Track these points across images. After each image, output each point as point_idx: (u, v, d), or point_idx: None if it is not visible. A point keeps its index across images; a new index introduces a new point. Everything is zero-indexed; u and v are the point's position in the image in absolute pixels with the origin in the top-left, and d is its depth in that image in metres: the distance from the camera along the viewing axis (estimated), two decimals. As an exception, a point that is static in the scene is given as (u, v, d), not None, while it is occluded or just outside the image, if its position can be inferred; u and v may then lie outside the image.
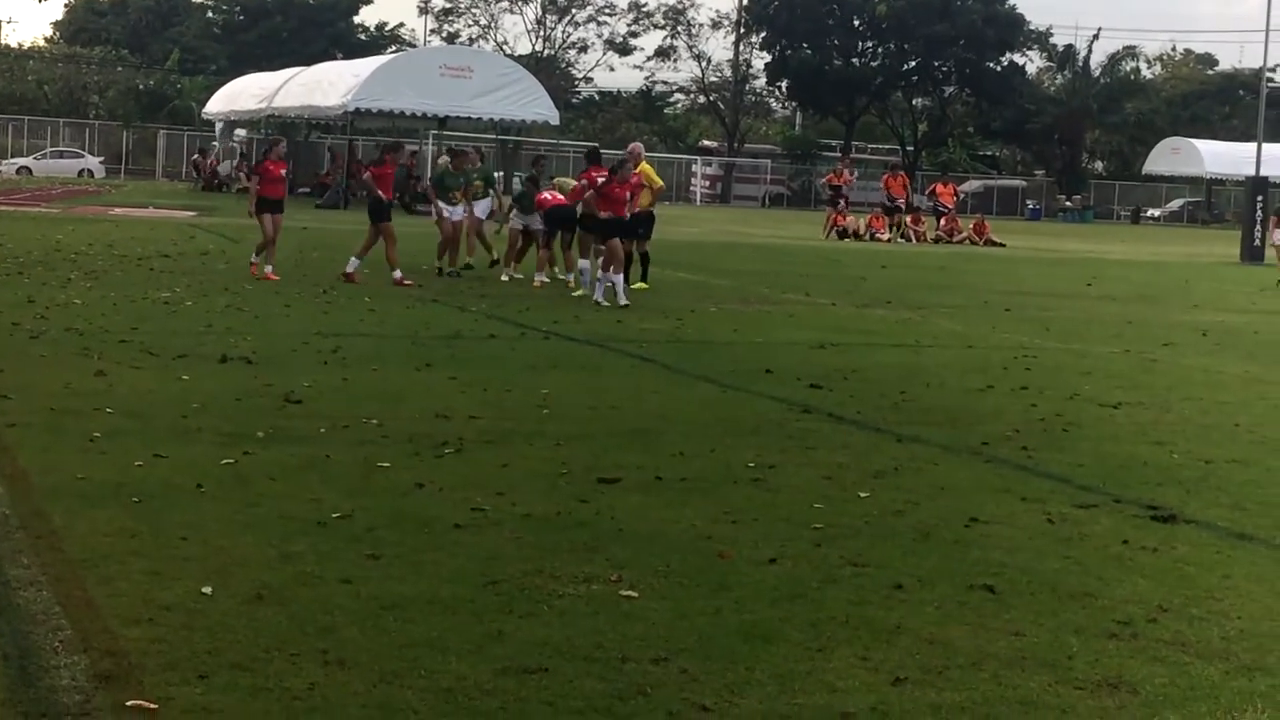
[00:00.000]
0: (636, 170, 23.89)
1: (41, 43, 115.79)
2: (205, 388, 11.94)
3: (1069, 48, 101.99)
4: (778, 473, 9.63)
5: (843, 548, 7.77)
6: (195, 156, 72.28)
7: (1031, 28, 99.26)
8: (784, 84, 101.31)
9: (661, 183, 25.79)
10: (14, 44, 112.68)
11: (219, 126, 70.24)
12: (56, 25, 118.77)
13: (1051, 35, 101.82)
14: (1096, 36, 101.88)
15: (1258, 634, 6.55)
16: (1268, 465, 10.64)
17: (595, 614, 6.46)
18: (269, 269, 22.36)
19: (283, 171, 23.75)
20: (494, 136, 60.37)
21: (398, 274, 22.26)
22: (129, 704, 5.15)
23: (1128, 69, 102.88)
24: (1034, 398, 13.39)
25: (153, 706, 5.14)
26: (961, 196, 56.38)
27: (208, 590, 6.50)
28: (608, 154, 25.98)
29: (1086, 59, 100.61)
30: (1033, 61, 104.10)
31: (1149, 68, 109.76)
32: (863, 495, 9.07)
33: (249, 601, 6.40)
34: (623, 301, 20.35)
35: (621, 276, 20.97)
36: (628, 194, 21.45)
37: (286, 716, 5.16)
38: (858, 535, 8.09)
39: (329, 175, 59.58)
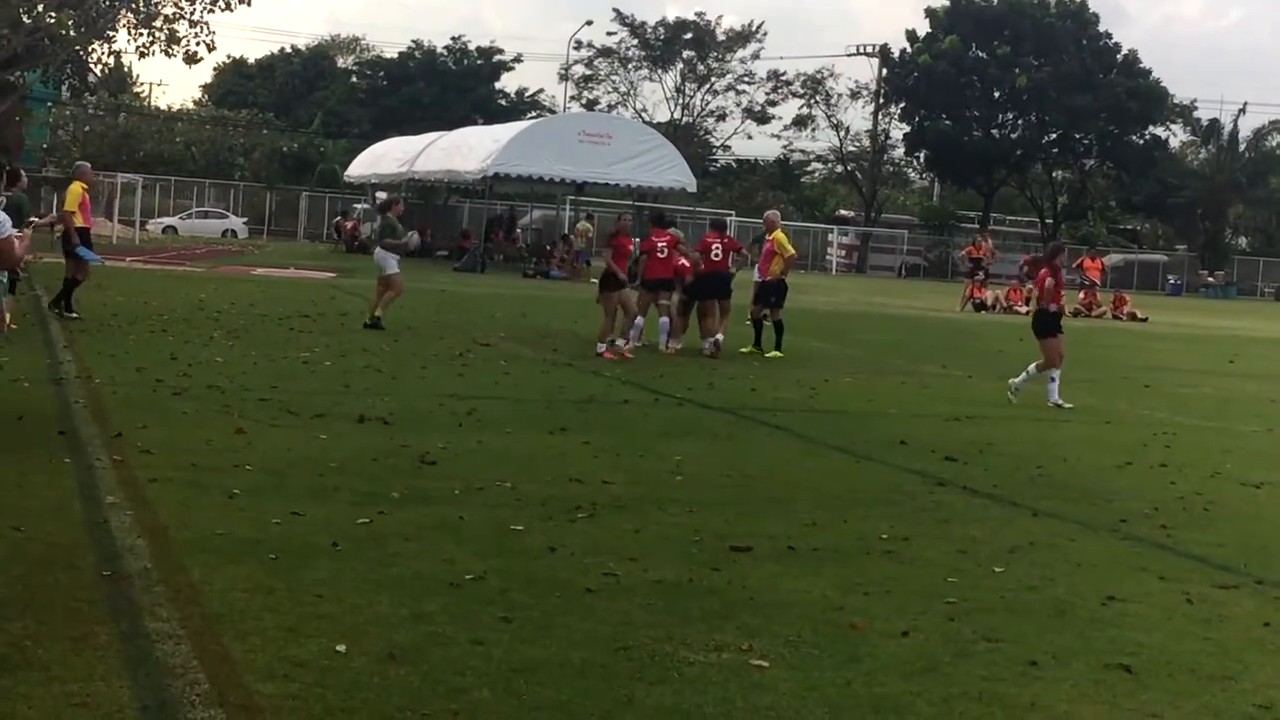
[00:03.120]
0: (770, 237, 24.16)
1: (190, 105, 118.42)
2: (342, 447, 12.08)
3: (1214, 121, 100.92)
4: (911, 545, 9.56)
5: (976, 622, 7.69)
6: (337, 218, 73.32)
7: (1175, 101, 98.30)
8: (922, 154, 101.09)
9: (794, 251, 25.85)
10: (164, 106, 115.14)
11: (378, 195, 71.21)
12: (205, 88, 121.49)
13: (1195, 109, 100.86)
14: (1243, 111, 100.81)
15: (1404, 722, 6.39)
16: None
17: (725, 683, 6.43)
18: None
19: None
20: (631, 203, 60.81)
21: (600, 347, 22.16)
22: (263, 759, 5.21)
23: (1273, 144, 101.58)
24: (1173, 475, 13.20)
25: (286, 762, 5.19)
26: (1105, 272, 55.77)
27: (341, 648, 6.56)
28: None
29: (1232, 133, 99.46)
30: (1176, 135, 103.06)
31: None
32: (997, 570, 8.97)
33: (382, 660, 6.45)
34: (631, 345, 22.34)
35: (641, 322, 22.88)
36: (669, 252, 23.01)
37: (417, 776, 5.19)
38: (991, 610, 8.00)
39: (468, 239, 60.17)
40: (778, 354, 23.51)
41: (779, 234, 24.75)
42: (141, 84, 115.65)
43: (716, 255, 23.83)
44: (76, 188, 24.08)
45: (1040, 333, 19.30)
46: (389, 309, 24.87)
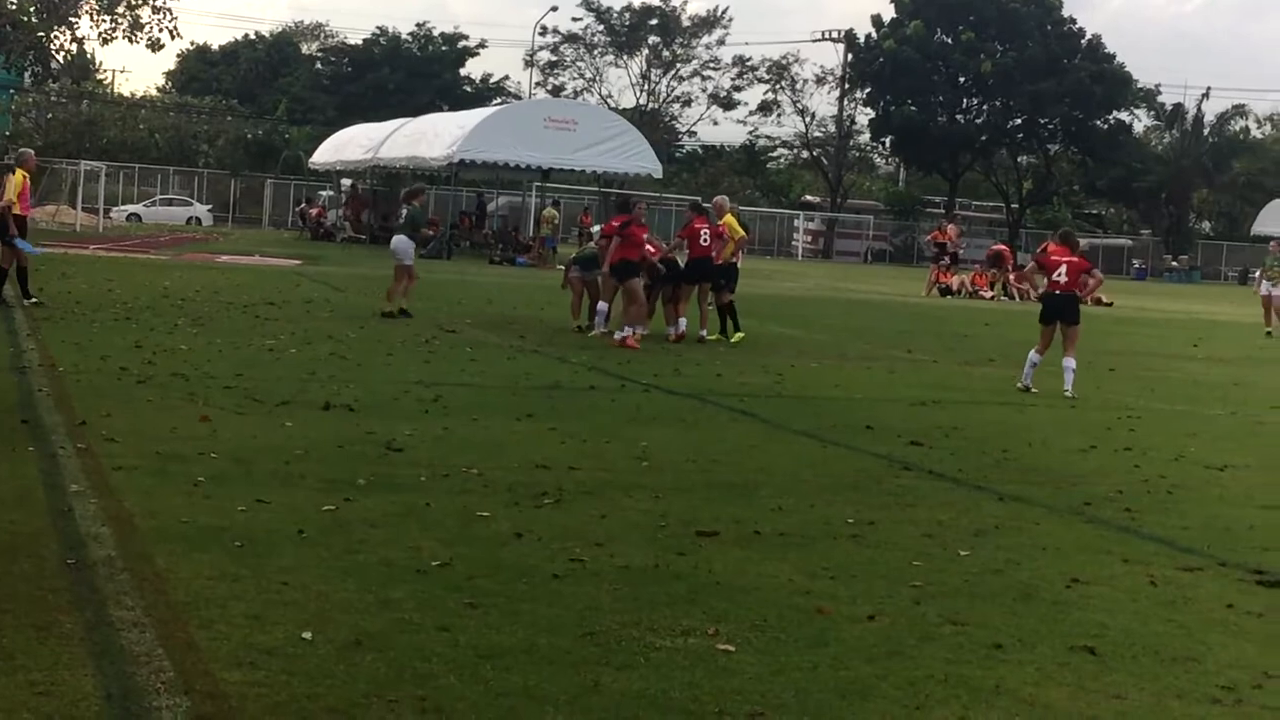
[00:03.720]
0: (721, 222, 24.15)
1: (154, 92, 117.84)
2: (308, 434, 12.05)
3: (1177, 106, 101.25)
4: (877, 529, 9.58)
5: (942, 606, 7.71)
6: (302, 205, 73.11)
7: (1139, 86, 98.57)
8: (887, 140, 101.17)
9: (744, 233, 25.84)
10: (127, 93, 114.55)
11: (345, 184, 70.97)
12: (168, 75, 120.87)
13: (1159, 94, 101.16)
14: (1206, 95, 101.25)
15: (1366, 703, 6.43)
16: (1377, 531, 10.46)
17: (692, 667, 6.44)
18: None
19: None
20: (597, 189, 60.79)
21: (618, 335, 22.16)
22: (228, 746, 5.20)
23: (1237, 128, 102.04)
24: (1138, 458, 13.25)
25: (251, 750, 5.19)
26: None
27: (307, 635, 6.55)
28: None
29: (1196, 118, 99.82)
30: (1140, 120, 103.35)
31: (1259, 127, 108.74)
32: (963, 553, 9.00)
33: (348, 647, 6.44)
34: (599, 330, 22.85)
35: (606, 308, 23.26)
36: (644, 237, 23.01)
37: (383, 763, 5.18)
38: (957, 594, 8.03)
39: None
40: (741, 335, 23.59)
41: (730, 218, 24.76)
42: (104, 71, 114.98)
43: (704, 241, 23.77)
44: (19, 176, 23.91)
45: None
46: (400, 298, 24.90)
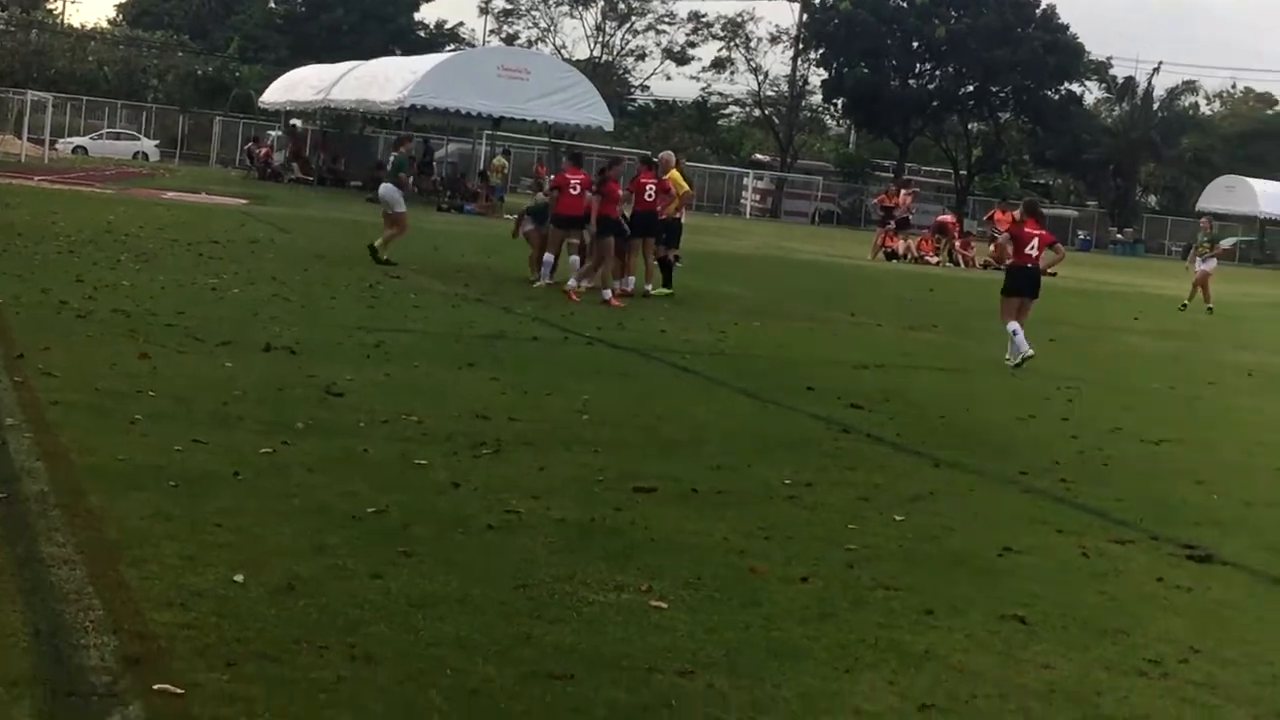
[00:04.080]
0: (666, 176, 24.10)
1: (104, 24, 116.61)
2: (247, 375, 11.98)
3: (1129, 80, 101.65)
4: (814, 491, 9.61)
5: (875, 570, 7.74)
6: (250, 144, 72.56)
7: (1091, 58, 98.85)
8: (840, 102, 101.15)
9: (689, 188, 25.81)
10: (77, 24, 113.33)
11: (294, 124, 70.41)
12: (119, 8, 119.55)
13: (1111, 66, 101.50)
14: (1157, 70, 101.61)
15: (1289, 680, 6.50)
16: (1307, 510, 10.57)
17: (624, 623, 6.45)
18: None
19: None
20: (547, 140, 60.56)
21: (605, 294, 22.09)
22: (156, 688, 5.16)
23: (1186, 104, 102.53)
24: (1075, 429, 13.33)
25: (179, 692, 5.16)
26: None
27: (240, 578, 6.52)
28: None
29: (1146, 92, 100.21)
30: (1091, 92, 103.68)
31: (1208, 104, 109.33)
32: (898, 518, 9.04)
33: (280, 591, 6.42)
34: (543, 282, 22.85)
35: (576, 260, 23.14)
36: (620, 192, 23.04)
37: (311, 709, 5.17)
38: (891, 558, 8.06)
39: (381, 170, 59.76)
40: (667, 291, 23.53)
41: (675, 173, 24.72)
42: (55, 1, 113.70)
43: (649, 196, 23.70)
44: None
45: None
46: (389, 246, 24.81)
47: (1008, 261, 19.15)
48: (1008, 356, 18.18)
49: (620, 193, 23.13)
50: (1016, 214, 56.20)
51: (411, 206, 28.30)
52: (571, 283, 22.45)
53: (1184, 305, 34.00)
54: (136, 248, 23.12)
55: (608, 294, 21.81)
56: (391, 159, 27.48)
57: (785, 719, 5.50)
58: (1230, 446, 13.42)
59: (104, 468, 8.36)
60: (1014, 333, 18.27)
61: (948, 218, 53.51)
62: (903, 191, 51.88)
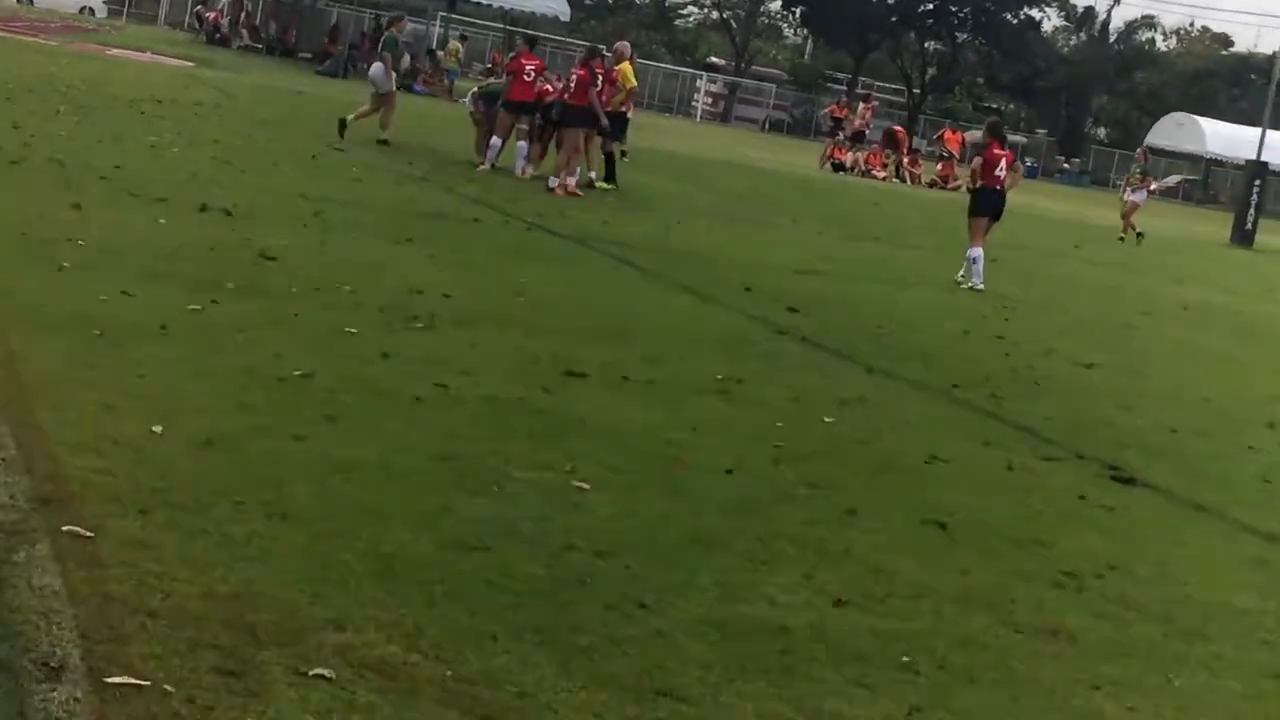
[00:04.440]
0: (617, 68, 23.78)
1: None
2: (181, 234, 11.82)
3: (1089, 10, 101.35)
4: (745, 388, 9.57)
5: (800, 468, 7.71)
6: (199, 7, 71.43)
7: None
8: (798, 10, 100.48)
9: (635, 83, 25.53)
10: None
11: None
12: None
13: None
14: (1117, 2, 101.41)
15: (1202, 601, 6.52)
16: (1233, 441, 10.63)
17: (545, 501, 6.40)
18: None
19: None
20: (502, 26, 59.96)
21: (553, 182, 21.81)
22: (65, 529, 5.08)
23: (1144, 39, 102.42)
24: (1009, 348, 13.33)
25: (88, 534, 5.08)
26: (965, 147, 56.00)
27: (158, 429, 6.42)
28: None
29: (1105, 24, 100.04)
30: (1050, 19, 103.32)
31: (1165, 40, 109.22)
32: (827, 420, 9.01)
33: (199, 445, 6.33)
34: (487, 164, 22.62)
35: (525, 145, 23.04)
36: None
37: (223, 561, 5.09)
38: (817, 458, 8.03)
39: (334, 42, 59.03)
40: (608, 186, 23.21)
41: (625, 65, 24.41)
42: None
43: (596, 87, 23.36)
44: None
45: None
46: (387, 127, 24.54)
47: (978, 184, 18.93)
48: (960, 276, 18.09)
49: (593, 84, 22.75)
50: (966, 135, 56.22)
51: (360, 81, 28.07)
52: (520, 168, 22.29)
53: (1121, 238, 34.04)
54: (77, 100, 22.75)
55: (554, 182, 21.61)
56: (382, 39, 27.27)
57: (700, 605, 5.47)
58: (1161, 375, 13.47)
59: (26, 311, 8.23)
60: (974, 260, 18.16)
61: (898, 129, 53.27)
62: (861, 105, 51.66)
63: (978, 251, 18.13)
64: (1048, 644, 5.65)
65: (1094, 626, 5.93)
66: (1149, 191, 36.52)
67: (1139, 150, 39.87)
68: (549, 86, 23.27)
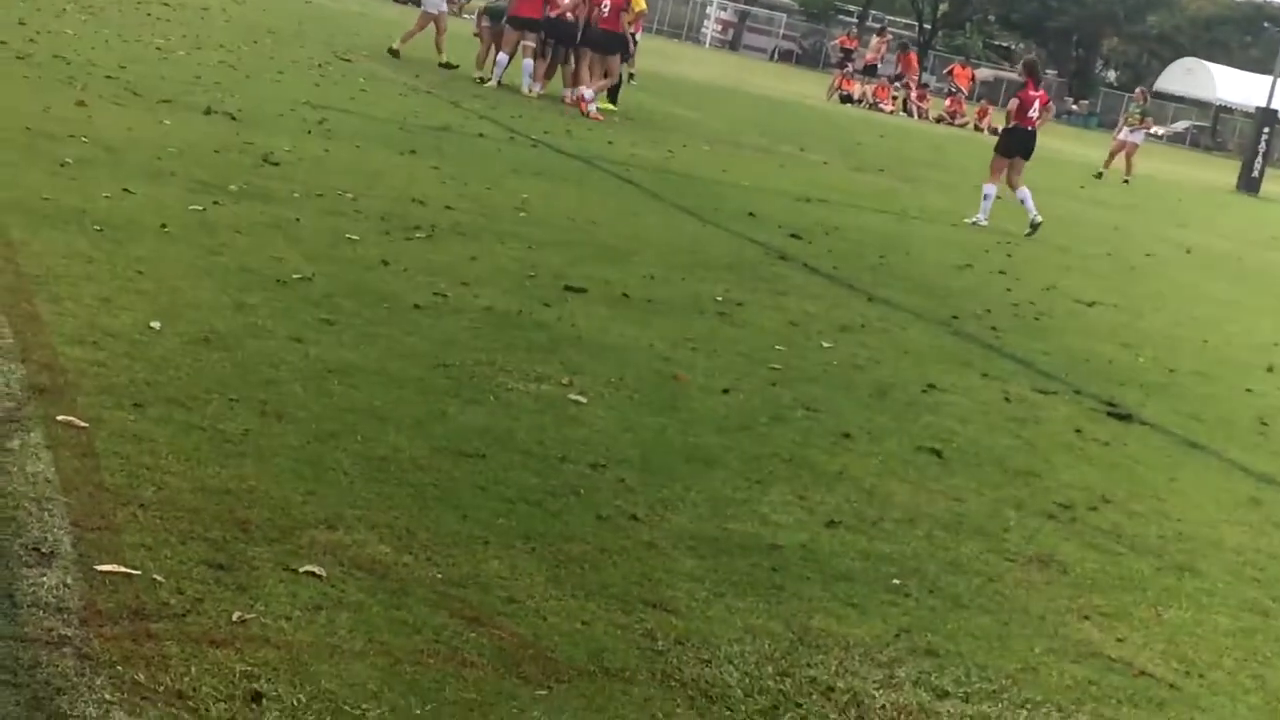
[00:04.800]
0: None
1: None
2: (185, 135, 11.76)
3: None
4: (745, 310, 9.54)
5: (797, 391, 7.70)
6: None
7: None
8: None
9: (644, 6, 25.34)
10: None
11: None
12: None
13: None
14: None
15: (1194, 537, 6.52)
16: (1229, 382, 10.60)
17: (541, 412, 6.39)
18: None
19: None
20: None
21: (581, 92, 21.78)
22: (59, 418, 5.06)
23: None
24: (1010, 283, 13.30)
25: (83, 425, 5.06)
26: (974, 84, 55.79)
27: (156, 325, 6.40)
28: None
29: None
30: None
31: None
32: (826, 345, 8.99)
33: (196, 342, 6.31)
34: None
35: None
36: None
37: (216, 457, 5.08)
38: (814, 381, 8.02)
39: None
40: (610, 107, 23.09)
41: None
42: None
43: (604, 11, 23.07)
44: None
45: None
46: (441, 48, 24.43)
47: (1011, 123, 18.71)
48: (979, 216, 17.86)
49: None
50: (974, 71, 55.74)
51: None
52: (527, 86, 22.22)
53: (1099, 174, 33.72)
54: (84, 0, 22.59)
55: (571, 95, 21.59)
56: None
57: (692, 519, 5.46)
58: (1161, 315, 13.44)
59: (27, 204, 8.19)
60: (986, 196, 18.05)
61: (912, 53, 52.77)
62: (875, 38, 51.37)
63: (992, 189, 18.04)
64: (1039, 573, 5.65)
65: (1085, 557, 5.92)
66: (1147, 133, 36.35)
67: (1138, 90, 39.65)
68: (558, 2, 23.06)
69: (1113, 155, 34.26)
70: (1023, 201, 17.94)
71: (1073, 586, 5.58)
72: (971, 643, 4.85)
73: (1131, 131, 34.59)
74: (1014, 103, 18.86)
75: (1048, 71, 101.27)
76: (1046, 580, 5.59)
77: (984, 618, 5.10)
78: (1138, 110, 35.60)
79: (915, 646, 4.70)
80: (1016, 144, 18.44)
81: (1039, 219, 17.70)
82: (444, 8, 25.11)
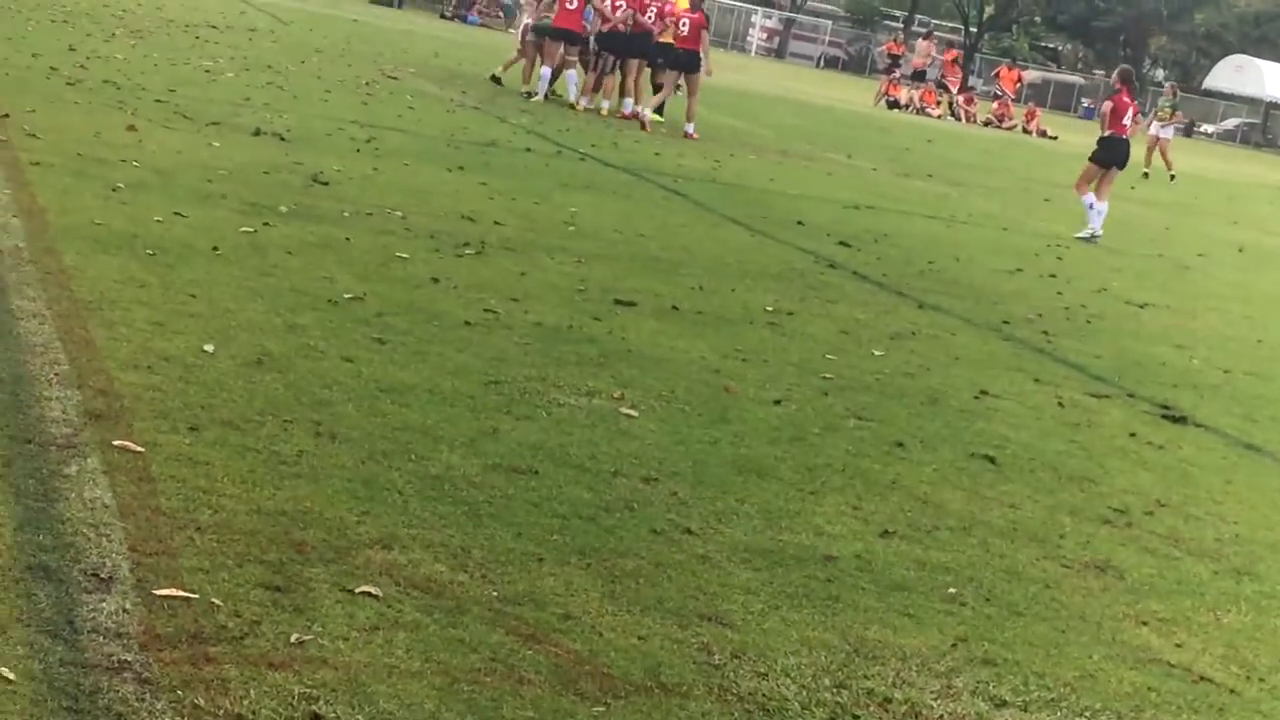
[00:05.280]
0: (671, 1, 23.48)
1: None
2: (234, 157, 11.84)
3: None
4: (795, 320, 9.54)
5: (849, 400, 7.69)
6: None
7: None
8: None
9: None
10: None
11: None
12: None
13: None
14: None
15: (1251, 540, 6.48)
16: (1286, 383, 10.54)
17: (593, 427, 6.40)
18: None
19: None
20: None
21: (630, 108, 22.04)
22: (115, 444, 5.10)
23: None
24: (1061, 286, 13.25)
25: (139, 449, 5.10)
26: (1021, 86, 55.62)
27: (209, 348, 6.44)
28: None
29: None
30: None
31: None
32: (877, 353, 8.98)
33: (249, 365, 6.35)
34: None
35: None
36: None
37: (271, 479, 5.11)
38: (866, 390, 8.01)
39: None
40: (657, 118, 23.00)
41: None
42: None
43: (684, 30, 22.91)
44: None
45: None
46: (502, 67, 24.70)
47: (1106, 132, 18.47)
48: (1092, 228, 17.62)
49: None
50: (1020, 73, 55.56)
51: (414, 10, 27.90)
52: (574, 99, 22.27)
53: (1146, 173, 33.51)
54: (132, 24, 22.79)
55: (629, 108, 21.74)
56: None
57: (746, 531, 5.46)
58: (1215, 316, 13.36)
59: (80, 230, 8.26)
60: (1090, 205, 17.86)
61: (955, 53, 52.63)
62: (922, 41, 51.24)
63: (1091, 197, 17.88)
64: (1095, 579, 5.63)
65: (1142, 563, 5.90)
66: (1177, 127, 36.09)
67: (1168, 84, 39.43)
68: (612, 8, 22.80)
69: (1150, 151, 34.05)
70: (1098, 212, 17.72)
71: (1130, 592, 5.55)
72: (1029, 651, 4.84)
73: (1162, 126, 34.40)
74: (1108, 105, 18.63)
75: (1095, 72, 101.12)
76: (1103, 586, 5.56)
77: (1041, 625, 5.08)
78: (1168, 105, 35.41)
79: (972, 656, 4.70)
80: (1114, 153, 18.18)
81: (1100, 235, 17.55)
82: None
